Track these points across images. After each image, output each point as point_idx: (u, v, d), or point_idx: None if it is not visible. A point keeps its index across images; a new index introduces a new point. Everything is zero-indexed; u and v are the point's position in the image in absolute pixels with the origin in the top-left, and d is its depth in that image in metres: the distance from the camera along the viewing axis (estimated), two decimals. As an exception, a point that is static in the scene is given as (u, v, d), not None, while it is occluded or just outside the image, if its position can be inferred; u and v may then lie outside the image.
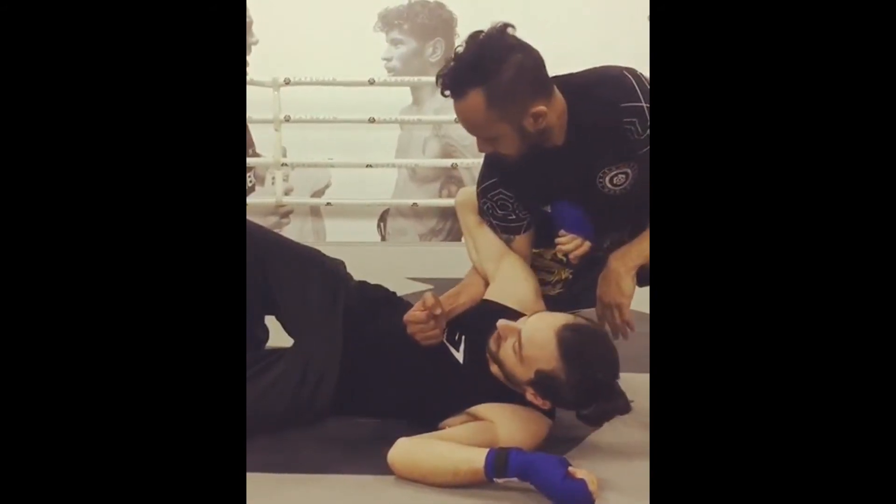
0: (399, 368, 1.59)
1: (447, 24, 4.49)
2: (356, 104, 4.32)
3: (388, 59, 4.51)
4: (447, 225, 4.56)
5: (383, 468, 1.43)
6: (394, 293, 1.77)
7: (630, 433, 1.62)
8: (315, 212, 4.59)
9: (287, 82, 4.27)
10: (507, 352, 1.43)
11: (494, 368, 1.48)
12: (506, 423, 1.45)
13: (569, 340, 1.38)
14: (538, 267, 1.70)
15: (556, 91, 1.50)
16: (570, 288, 1.71)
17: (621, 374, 1.45)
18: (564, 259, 1.65)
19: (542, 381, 1.40)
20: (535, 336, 1.40)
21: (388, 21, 4.50)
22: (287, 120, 4.32)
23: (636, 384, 1.55)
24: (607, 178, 1.56)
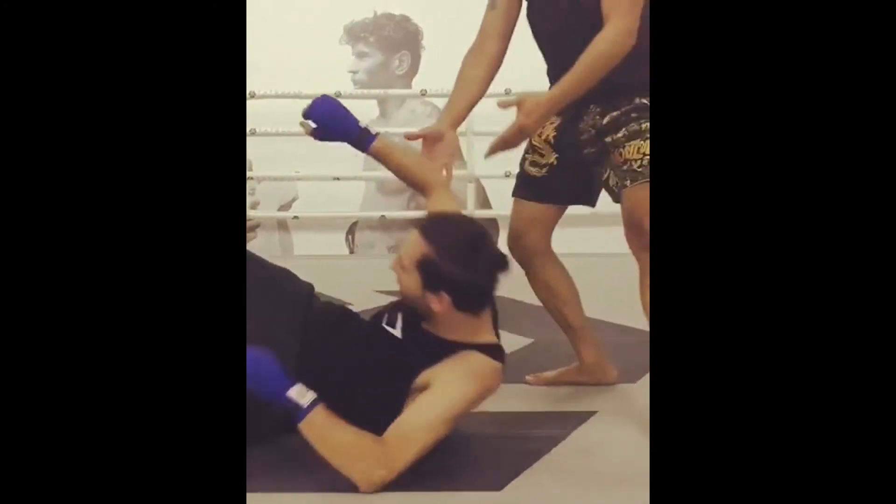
0: (352, 387, 1.58)
1: (413, 36, 4.50)
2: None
3: (355, 72, 4.50)
4: (416, 237, 4.56)
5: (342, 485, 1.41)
6: (356, 314, 1.78)
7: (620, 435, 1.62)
8: (282, 225, 4.55)
9: (252, 95, 4.23)
10: (399, 275, 1.57)
11: (405, 297, 1.59)
12: (445, 379, 1.47)
13: (427, 223, 1.56)
14: (533, 146, 1.84)
15: None
16: (553, 173, 1.83)
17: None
18: (553, 142, 1.80)
19: (427, 275, 1.49)
20: (406, 241, 1.58)
21: (353, 34, 4.50)
22: (252, 133, 4.28)
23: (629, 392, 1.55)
24: None
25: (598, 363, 1.96)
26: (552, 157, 1.83)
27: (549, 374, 2.03)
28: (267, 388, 1.36)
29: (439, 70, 4.78)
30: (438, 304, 1.50)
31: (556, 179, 1.84)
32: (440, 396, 1.45)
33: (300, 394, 1.38)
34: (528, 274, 1.93)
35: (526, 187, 1.88)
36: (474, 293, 1.53)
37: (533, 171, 1.87)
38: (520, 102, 1.65)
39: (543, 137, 1.83)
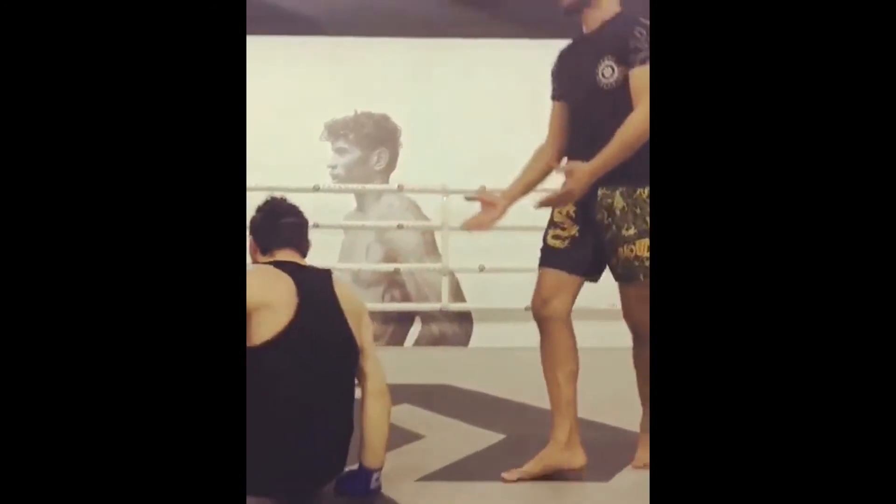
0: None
1: (392, 134, 4.65)
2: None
3: (334, 167, 4.61)
4: (389, 329, 4.55)
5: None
6: None
7: None
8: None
9: (232, 187, 4.32)
10: None
11: None
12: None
13: None
14: (554, 222, 2.03)
15: None
16: (574, 245, 2.01)
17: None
18: (574, 217, 1.98)
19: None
20: None
21: (334, 131, 4.64)
22: (230, 224, 4.33)
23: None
24: (600, 69, 1.93)
25: (569, 444, 1.98)
26: (573, 230, 2.01)
27: (525, 467, 2.02)
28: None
29: (416, 166, 4.92)
30: None
31: (577, 251, 2.01)
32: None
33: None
34: (543, 338, 2.05)
35: (550, 258, 2.05)
36: None
37: (556, 243, 2.04)
38: (569, 171, 1.87)
39: (565, 213, 2.01)
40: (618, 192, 1.91)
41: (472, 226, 2.02)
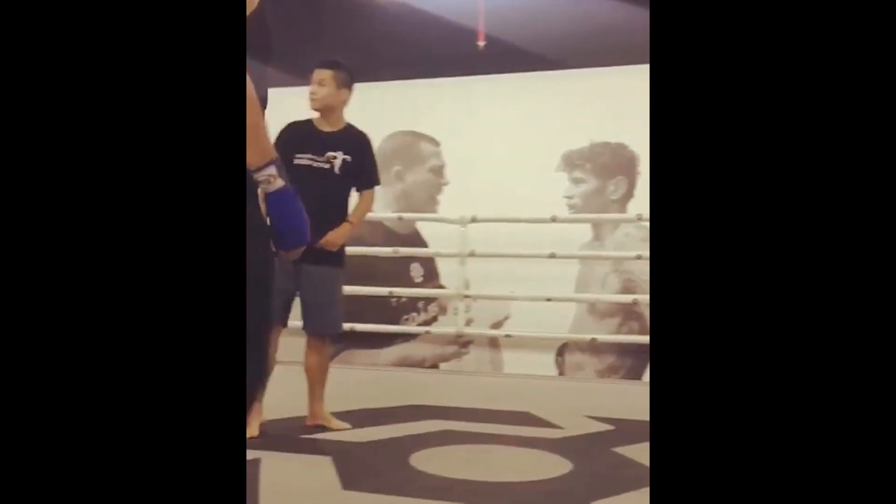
0: None
1: (630, 162, 4.58)
2: (538, 240, 4.47)
3: (570, 197, 4.65)
4: (626, 362, 4.45)
5: None
6: None
7: None
8: (493, 343, 4.68)
9: (474, 220, 4.53)
10: None
11: None
12: None
13: None
14: None
15: None
16: None
17: None
18: None
19: None
20: None
21: (570, 161, 4.68)
22: (472, 254, 4.54)
23: None
24: None
25: None
26: None
27: None
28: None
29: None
30: None
31: None
32: None
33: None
34: None
35: None
36: None
37: None
38: None
39: None
40: None
41: None
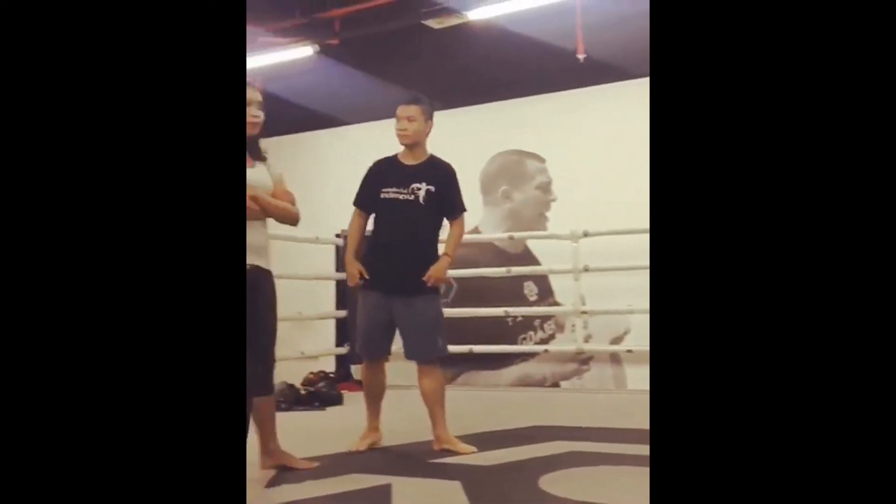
0: None
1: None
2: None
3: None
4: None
5: None
6: None
7: None
8: (615, 358, 4.56)
9: (586, 234, 4.45)
10: None
11: None
12: None
13: None
14: None
15: None
16: None
17: None
18: None
19: None
20: None
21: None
22: (586, 269, 4.46)
23: None
24: None
25: None
26: None
27: None
28: None
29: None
30: None
31: None
32: None
33: None
34: None
35: None
36: None
37: None
38: None
39: None
40: None
41: None
